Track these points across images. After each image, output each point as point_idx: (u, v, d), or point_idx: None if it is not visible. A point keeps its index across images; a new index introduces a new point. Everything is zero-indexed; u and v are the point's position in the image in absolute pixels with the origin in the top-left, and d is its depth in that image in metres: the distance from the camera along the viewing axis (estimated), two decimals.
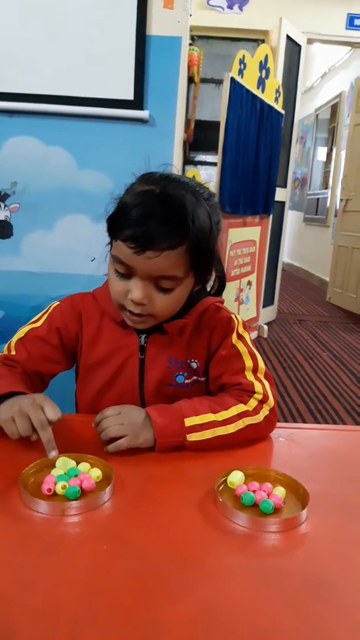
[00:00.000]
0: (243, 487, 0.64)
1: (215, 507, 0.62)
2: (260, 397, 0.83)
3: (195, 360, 0.88)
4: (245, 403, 0.81)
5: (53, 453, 0.68)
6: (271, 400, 0.84)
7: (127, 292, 0.77)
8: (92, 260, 1.46)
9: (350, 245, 4.75)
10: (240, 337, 0.88)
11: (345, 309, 4.86)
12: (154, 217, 0.72)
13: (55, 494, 0.62)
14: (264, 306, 3.86)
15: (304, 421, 2.31)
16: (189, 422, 0.76)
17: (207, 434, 0.76)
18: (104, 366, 0.88)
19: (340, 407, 2.53)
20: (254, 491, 0.63)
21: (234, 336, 0.88)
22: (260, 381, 0.85)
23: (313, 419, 2.36)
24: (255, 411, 0.81)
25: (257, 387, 0.83)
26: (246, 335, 0.90)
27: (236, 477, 0.65)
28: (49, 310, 0.91)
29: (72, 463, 0.67)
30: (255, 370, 0.86)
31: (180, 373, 0.87)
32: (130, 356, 0.87)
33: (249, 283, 3.36)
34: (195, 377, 0.88)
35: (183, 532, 0.57)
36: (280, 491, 0.64)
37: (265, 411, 0.82)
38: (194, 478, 0.68)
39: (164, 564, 0.52)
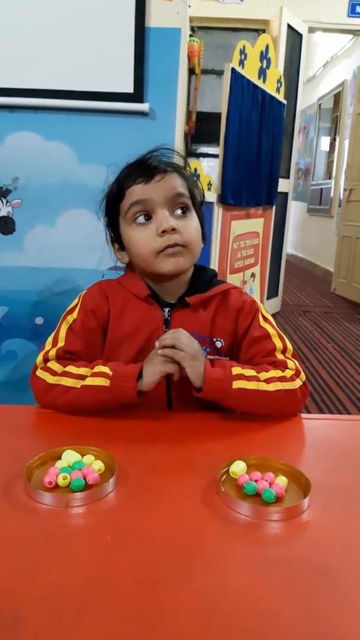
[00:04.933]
0: (245, 477, 0.64)
1: (217, 497, 0.62)
2: (293, 372, 0.87)
3: (220, 340, 0.91)
4: (282, 371, 0.86)
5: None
6: (303, 375, 0.89)
7: (155, 234, 0.84)
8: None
9: (354, 235, 4.72)
10: (265, 319, 0.93)
11: (350, 299, 4.84)
12: (149, 159, 0.87)
13: (56, 486, 0.62)
14: (268, 298, 3.86)
15: (309, 411, 2.32)
16: (235, 370, 0.82)
17: (251, 385, 0.81)
18: (129, 341, 0.90)
19: (345, 397, 2.53)
20: (256, 481, 0.63)
21: (260, 318, 0.92)
22: (291, 360, 0.90)
23: (318, 409, 2.37)
24: (292, 379, 0.86)
25: (290, 364, 0.88)
26: (270, 318, 0.95)
27: (238, 467, 0.66)
28: (80, 300, 0.93)
29: (77, 456, 0.68)
30: (284, 350, 0.91)
31: (203, 348, 0.89)
32: (155, 330, 0.89)
33: (253, 275, 3.36)
34: (217, 356, 0.90)
35: (186, 522, 0.58)
36: (282, 480, 0.64)
37: (299, 382, 0.87)
38: (197, 468, 0.69)
39: (167, 553, 0.52)
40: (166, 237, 0.83)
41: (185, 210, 0.87)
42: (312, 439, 0.83)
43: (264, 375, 0.84)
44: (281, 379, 0.85)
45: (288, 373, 0.86)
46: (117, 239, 0.93)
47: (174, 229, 0.83)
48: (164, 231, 0.83)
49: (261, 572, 0.50)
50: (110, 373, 0.81)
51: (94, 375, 0.82)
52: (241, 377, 0.81)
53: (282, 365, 0.88)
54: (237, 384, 0.80)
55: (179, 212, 0.86)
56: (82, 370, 0.83)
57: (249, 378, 0.82)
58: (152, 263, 0.86)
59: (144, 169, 0.85)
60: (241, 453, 0.70)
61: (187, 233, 0.85)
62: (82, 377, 0.82)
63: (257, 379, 0.82)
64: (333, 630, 0.45)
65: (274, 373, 0.85)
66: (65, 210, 1.46)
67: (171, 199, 0.85)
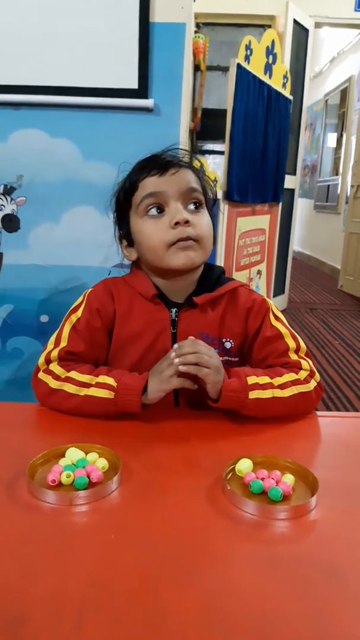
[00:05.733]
0: (251, 475, 0.63)
1: (223, 495, 0.61)
2: (307, 372, 0.87)
3: (230, 340, 0.90)
4: (296, 374, 0.85)
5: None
6: (317, 376, 0.89)
7: (168, 226, 0.82)
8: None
9: None
10: (277, 318, 0.92)
11: (357, 296, 4.81)
12: (162, 154, 0.87)
13: (60, 484, 0.62)
14: (274, 295, 3.84)
15: (316, 409, 2.30)
16: (251, 380, 0.81)
17: (267, 394, 0.80)
18: (136, 342, 0.89)
19: (352, 394, 2.51)
20: (262, 479, 0.63)
21: (272, 317, 0.91)
22: (305, 359, 0.89)
23: (325, 407, 2.35)
24: (306, 381, 0.85)
25: (304, 364, 0.88)
26: (281, 316, 0.94)
27: (244, 465, 0.65)
28: (85, 298, 0.91)
29: (81, 454, 0.67)
30: (297, 350, 0.90)
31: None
32: (163, 331, 0.88)
33: (259, 272, 3.34)
34: (227, 357, 0.89)
35: (191, 520, 0.57)
36: (289, 478, 0.63)
37: (313, 383, 0.86)
38: (202, 466, 0.68)
39: (172, 552, 0.52)
40: (179, 229, 0.82)
41: (198, 205, 0.86)
42: (319, 437, 0.82)
43: (278, 380, 0.83)
44: (295, 382, 0.84)
45: (302, 375, 0.86)
46: (125, 236, 0.91)
47: (187, 222, 0.82)
48: (177, 223, 0.81)
49: (267, 571, 0.50)
50: (115, 385, 0.79)
51: (98, 385, 0.80)
52: (257, 386, 0.80)
53: (296, 366, 0.87)
54: (253, 394, 0.79)
55: (192, 206, 0.85)
56: (86, 378, 0.81)
57: (264, 386, 0.81)
58: (162, 256, 0.84)
59: (158, 162, 0.85)
60: (247, 451, 0.69)
61: (200, 227, 0.84)
62: (86, 385, 0.81)
63: (272, 386, 0.82)
64: (340, 630, 0.44)
65: (288, 377, 0.84)
66: (70, 207, 1.46)
67: (185, 193, 0.84)
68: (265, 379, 0.82)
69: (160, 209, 0.84)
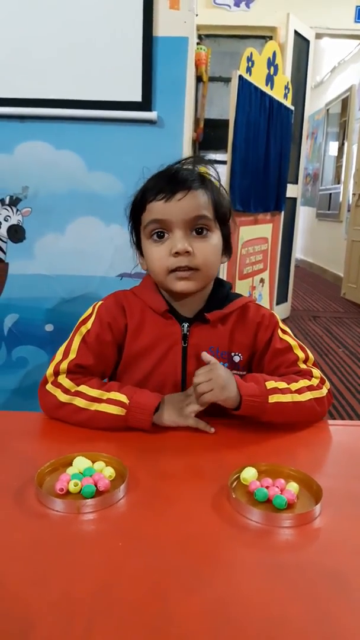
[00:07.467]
0: (256, 483, 0.64)
1: (228, 504, 0.62)
2: (318, 380, 0.89)
3: (239, 354, 0.91)
4: (309, 380, 0.88)
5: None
6: (327, 383, 0.91)
7: (169, 253, 0.83)
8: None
9: None
10: (284, 331, 0.94)
11: None
12: (176, 172, 0.85)
13: (68, 492, 0.63)
14: (277, 303, 3.85)
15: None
16: (270, 384, 0.82)
17: (286, 398, 0.82)
18: (147, 355, 0.90)
19: (356, 403, 2.51)
20: (267, 487, 0.63)
21: (279, 331, 0.93)
22: (315, 368, 0.92)
23: (329, 415, 2.34)
24: (319, 387, 0.88)
25: (315, 372, 0.90)
26: (288, 330, 0.96)
27: (249, 474, 0.66)
28: (95, 310, 0.91)
29: (88, 462, 0.68)
30: (306, 360, 0.92)
31: (221, 363, 0.88)
32: (174, 345, 0.89)
33: (262, 280, 3.35)
34: (235, 371, 0.90)
35: (197, 528, 0.58)
36: (293, 487, 0.64)
37: (325, 389, 0.89)
38: (207, 475, 0.69)
39: (178, 559, 0.52)
40: (179, 258, 0.82)
41: (203, 230, 0.84)
42: (323, 445, 0.82)
43: (294, 385, 0.84)
44: (310, 388, 0.86)
45: (314, 382, 0.88)
46: (138, 246, 0.92)
47: (187, 252, 0.82)
48: (177, 252, 0.82)
49: (272, 578, 0.50)
50: (127, 402, 0.80)
51: (109, 401, 0.81)
52: (276, 390, 0.82)
53: (308, 374, 0.89)
54: (272, 398, 0.81)
55: (195, 233, 0.84)
56: (96, 392, 0.82)
57: (283, 391, 0.82)
58: (163, 280, 0.86)
59: (167, 183, 0.83)
60: (252, 459, 0.69)
61: (201, 255, 0.83)
62: (96, 399, 0.81)
63: (290, 391, 0.83)
64: (344, 635, 0.44)
65: (303, 383, 0.86)
66: (74, 218, 1.47)
67: (190, 221, 0.83)
68: (282, 384, 0.83)
69: (163, 234, 0.84)
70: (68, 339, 0.90)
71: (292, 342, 0.93)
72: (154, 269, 0.86)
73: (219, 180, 0.91)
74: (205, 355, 0.83)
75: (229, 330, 0.91)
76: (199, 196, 0.83)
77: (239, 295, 0.95)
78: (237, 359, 0.91)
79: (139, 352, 0.90)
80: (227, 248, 0.92)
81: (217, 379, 0.79)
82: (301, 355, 0.92)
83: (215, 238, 0.86)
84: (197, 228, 0.84)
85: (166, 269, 0.84)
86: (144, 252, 0.89)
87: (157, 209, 0.83)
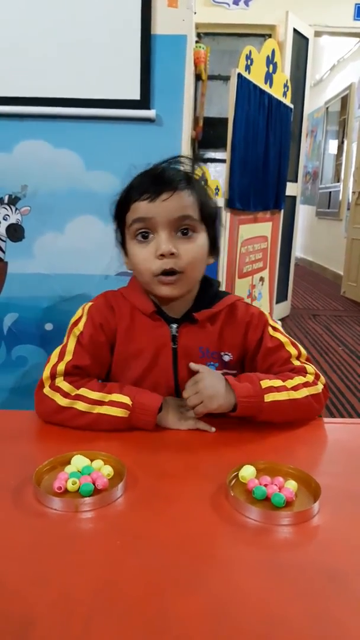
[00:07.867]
0: (255, 481, 0.64)
1: (227, 502, 0.62)
2: (313, 376, 0.88)
3: (228, 353, 0.91)
4: (304, 377, 0.87)
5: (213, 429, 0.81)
6: (322, 378, 0.90)
7: (154, 255, 0.82)
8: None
9: None
10: (275, 329, 0.93)
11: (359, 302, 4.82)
12: (162, 172, 0.84)
13: (66, 491, 0.63)
14: (277, 302, 3.84)
15: (319, 416, 2.30)
16: (265, 384, 0.82)
17: (282, 396, 0.81)
18: (138, 358, 0.89)
19: (355, 400, 2.51)
20: (265, 485, 0.63)
21: (270, 329, 0.92)
22: (308, 364, 0.91)
23: (329, 413, 2.35)
24: (314, 383, 0.87)
25: (309, 368, 0.90)
26: (279, 326, 0.95)
27: (247, 472, 0.66)
28: (85, 312, 0.90)
29: (86, 461, 0.68)
30: (299, 356, 0.91)
31: (211, 363, 0.89)
32: (163, 347, 0.89)
33: (262, 279, 3.35)
34: (225, 370, 0.89)
35: (195, 526, 0.58)
36: (291, 485, 0.64)
37: (320, 385, 0.88)
38: (206, 473, 0.69)
39: (177, 558, 0.52)
40: (164, 260, 0.81)
41: (188, 231, 0.83)
42: (322, 443, 0.82)
43: (290, 383, 0.84)
44: (306, 385, 0.85)
45: (309, 378, 0.87)
46: (123, 246, 0.91)
47: (172, 254, 0.81)
48: (162, 255, 0.81)
49: (271, 576, 0.50)
50: (130, 404, 0.80)
51: (112, 404, 0.80)
52: (272, 389, 0.81)
53: (302, 371, 0.88)
54: (268, 397, 0.80)
55: (180, 234, 0.83)
56: (97, 395, 0.81)
57: (279, 389, 0.82)
58: (149, 283, 0.85)
59: (152, 183, 0.82)
60: (250, 458, 0.69)
61: (186, 257, 0.82)
62: (98, 402, 0.81)
63: (286, 388, 0.83)
64: (343, 634, 0.44)
65: (299, 380, 0.86)
66: (73, 217, 1.47)
67: (174, 221, 0.81)
68: (278, 382, 0.83)
69: (149, 234, 0.83)
70: (63, 342, 0.89)
71: (283, 339, 0.92)
72: (139, 270, 0.86)
73: (205, 181, 0.91)
74: (192, 365, 0.84)
75: (218, 330, 0.90)
76: (184, 197, 0.82)
77: (227, 294, 0.94)
78: (227, 358, 0.91)
79: (130, 355, 0.90)
80: (214, 249, 0.91)
81: (203, 391, 0.79)
82: (293, 351, 0.91)
83: (200, 239, 0.85)
84: (183, 229, 0.83)
85: (152, 272, 0.83)
86: (128, 252, 0.88)
87: (142, 208, 0.82)
